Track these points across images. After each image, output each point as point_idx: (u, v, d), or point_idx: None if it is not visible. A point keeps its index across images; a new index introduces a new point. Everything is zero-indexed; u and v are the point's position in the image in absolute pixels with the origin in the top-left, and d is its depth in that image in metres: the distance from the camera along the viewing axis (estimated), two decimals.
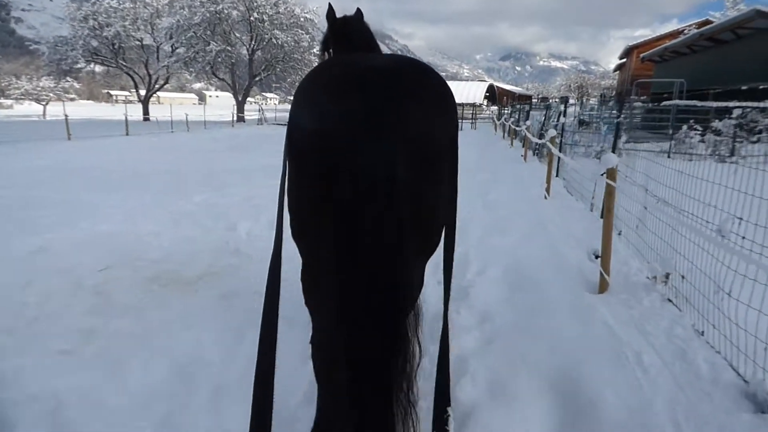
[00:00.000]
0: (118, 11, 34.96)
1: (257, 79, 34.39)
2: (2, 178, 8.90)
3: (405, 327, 1.42)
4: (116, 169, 10.71)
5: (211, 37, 31.18)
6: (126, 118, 20.33)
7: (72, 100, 76.82)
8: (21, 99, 67.00)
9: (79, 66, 35.50)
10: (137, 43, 35.46)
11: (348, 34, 2.44)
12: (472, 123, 31.31)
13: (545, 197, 6.54)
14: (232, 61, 32.30)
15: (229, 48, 31.03)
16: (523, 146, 13.52)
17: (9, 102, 71.10)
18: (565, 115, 9.36)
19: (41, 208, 6.61)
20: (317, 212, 1.41)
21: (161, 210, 6.64)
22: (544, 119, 10.93)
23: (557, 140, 6.73)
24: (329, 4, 2.62)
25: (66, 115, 17.23)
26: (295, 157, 1.46)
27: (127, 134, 19.71)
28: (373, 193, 1.27)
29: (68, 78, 54.02)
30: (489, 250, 4.65)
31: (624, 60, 44.73)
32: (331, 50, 2.53)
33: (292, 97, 2.20)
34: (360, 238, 1.30)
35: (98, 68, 43.14)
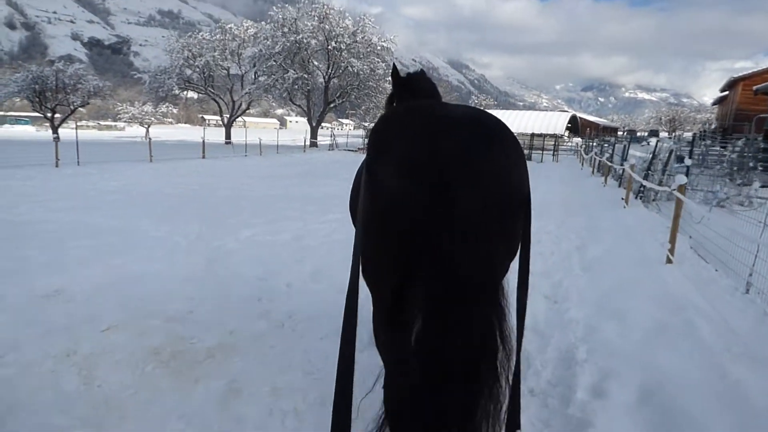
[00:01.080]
0: (210, 43, 37.33)
1: (332, 105, 34.76)
2: (65, 201, 8.81)
3: (494, 374, 1.41)
4: (179, 193, 10.46)
5: (290, 65, 32.07)
6: (203, 141, 20.87)
7: (170, 123, 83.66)
8: (129, 122, 74.11)
9: (174, 92, 38.04)
10: (224, 71, 37.50)
11: (412, 91, 2.51)
12: (553, 155, 29.21)
13: (668, 260, 5.00)
14: (308, 87, 32.91)
15: (305, 75, 31.66)
16: (622, 186, 11.70)
17: (121, 125, 78.38)
18: (691, 156, 7.69)
19: (85, 236, 6.16)
20: (403, 249, 1.40)
21: (204, 246, 5.93)
22: (652, 157, 9.18)
23: (685, 186, 5.17)
24: (393, 64, 2.73)
25: (149, 138, 18.02)
26: (383, 192, 1.43)
27: (203, 157, 20.18)
28: (465, 230, 1.32)
29: (167, 103, 58.79)
30: (603, 347, 3.28)
31: (726, 93, 40.49)
32: (394, 104, 2.64)
33: (366, 123, 2.36)
34: (450, 277, 1.32)
35: (191, 94, 46.30)
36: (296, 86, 31.89)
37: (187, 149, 24.02)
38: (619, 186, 11.63)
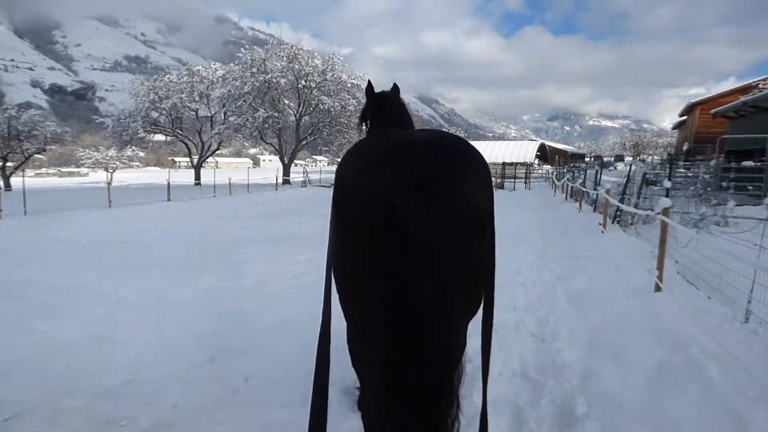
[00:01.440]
0: (178, 85, 37.03)
1: (303, 142, 34.57)
2: (5, 255, 8.03)
3: (451, 386, 1.50)
4: (136, 241, 9.77)
5: (260, 104, 31.91)
6: (168, 183, 20.14)
7: (137, 167, 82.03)
8: (92, 168, 72.25)
9: (140, 135, 37.27)
10: (192, 113, 37.10)
11: (384, 109, 2.68)
12: (525, 183, 29.52)
13: (657, 288, 4.68)
14: (279, 126, 32.72)
15: (275, 114, 31.51)
16: (597, 211, 11.59)
17: (84, 171, 76.13)
18: (670, 178, 7.56)
19: (11, 297, 5.44)
20: (365, 275, 1.49)
21: (155, 300, 5.33)
22: (626, 181, 9.06)
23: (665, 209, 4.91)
24: (368, 81, 2.87)
25: (109, 183, 17.04)
26: (345, 224, 1.54)
27: (168, 200, 19.42)
28: (421, 255, 1.39)
29: (133, 147, 57.73)
30: (605, 398, 2.86)
31: (685, 117, 42.41)
32: (368, 121, 2.78)
33: (339, 159, 2.06)
34: (405, 301, 1.39)
35: (159, 137, 45.49)
36: (267, 125, 31.65)
37: (153, 192, 23.20)
38: (594, 211, 11.53)
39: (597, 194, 11.28)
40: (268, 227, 11.88)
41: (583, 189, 12.01)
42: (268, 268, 6.97)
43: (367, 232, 1.46)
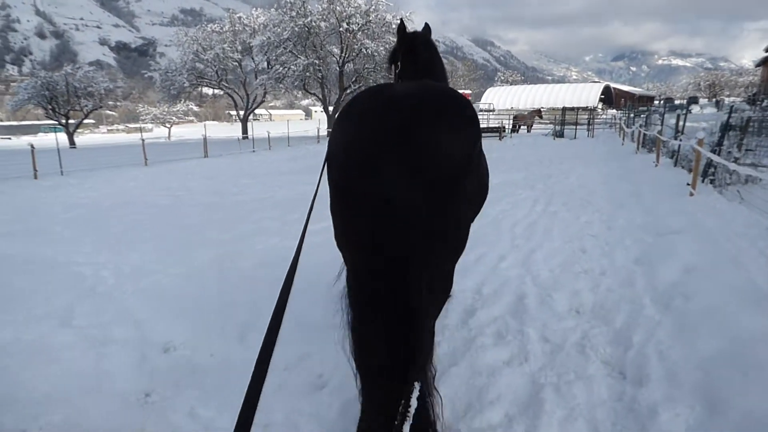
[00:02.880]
0: (220, 35, 36.12)
1: (348, 91, 32.98)
2: (6, 225, 7.50)
3: (422, 328, 1.53)
4: (154, 204, 9.10)
5: (301, 51, 30.42)
6: (205, 139, 19.57)
7: (190, 122, 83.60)
8: (152, 123, 74.61)
9: (186, 89, 37.07)
10: (235, 64, 36.26)
11: (414, 49, 2.68)
12: (588, 130, 26.65)
13: None
14: (321, 74, 31.21)
15: (317, 61, 29.95)
16: (679, 165, 9.60)
17: (149, 126, 78.33)
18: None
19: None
20: (344, 221, 1.64)
21: (130, 286, 4.45)
22: (725, 128, 7.05)
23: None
24: (401, 20, 3.10)
25: (143, 140, 16.68)
26: (329, 174, 1.67)
27: (205, 156, 18.92)
28: (390, 212, 1.45)
29: (187, 101, 58.58)
30: None
31: None
32: (399, 62, 2.78)
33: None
34: (378, 251, 1.49)
35: (208, 90, 45.40)
36: (308, 73, 30.25)
37: (193, 148, 22.85)
38: (675, 165, 9.55)
39: (679, 145, 9.28)
40: (296, 186, 10.88)
41: (662, 138, 9.96)
42: (277, 242, 5.95)
43: (342, 187, 1.59)
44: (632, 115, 23.20)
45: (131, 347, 3.21)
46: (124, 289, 4.42)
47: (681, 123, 10.07)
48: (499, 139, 25.10)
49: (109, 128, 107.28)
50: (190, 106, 71.65)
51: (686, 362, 2.64)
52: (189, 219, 7.57)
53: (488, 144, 22.79)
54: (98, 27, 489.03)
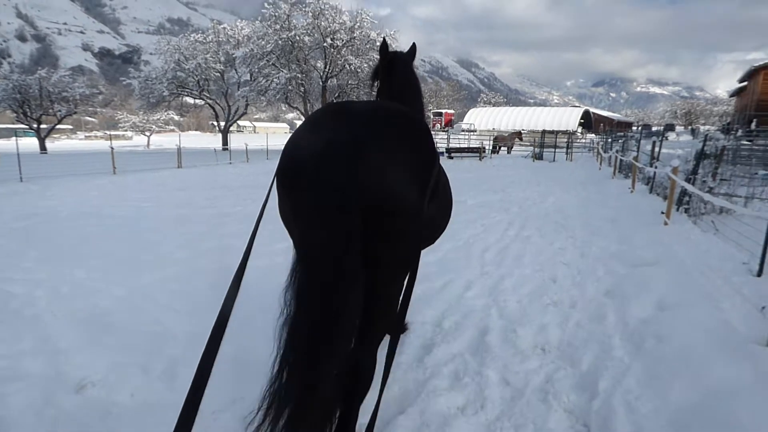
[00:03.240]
0: (203, 44, 35.73)
1: None
2: None
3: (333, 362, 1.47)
4: (112, 216, 8.62)
5: (285, 64, 30.24)
6: (179, 149, 19.06)
7: (171, 131, 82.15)
8: (131, 131, 73.22)
9: (165, 98, 36.42)
10: (218, 74, 35.86)
11: (393, 71, 2.71)
12: (566, 153, 26.95)
13: None
14: (303, 88, 31.04)
15: (299, 75, 29.79)
16: (654, 192, 9.57)
17: (129, 134, 76.58)
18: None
19: None
20: (288, 223, 1.81)
21: (65, 308, 4.04)
22: (700, 156, 6.97)
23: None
24: (383, 39, 2.91)
25: (111, 148, 16.11)
26: (277, 179, 1.74)
27: (179, 167, 18.41)
28: (319, 221, 1.45)
29: (168, 111, 57.70)
30: None
31: (745, 83, 38.10)
32: (378, 80, 2.83)
33: None
34: (321, 254, 1.45)
35: (190, 100, 44.73)
36: (290, 87, 30.04)
37: (165, 158, 22.26)
38: (651, 191, 9.52)
39: (654, 172, 9.25)
40: (271, 201, 10.53)
41: (638, 164, 9.95)
42: (236, 262, 5.58)
43: (282, 192, 1.71)
44: (610, 140, 23.54)
45: (39, 385, 2.81)
46: (55, 311, 4.01)
47: (656, 150, 10.09)
48: (479, 159, 25.16)
49: (87, 135, 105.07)
50: (171, 116, 70.79)
51: (656, 416, 2.39)
52: (148, 234, 7.14)
53: (468, 164, 22.82)
54: (82, 32, 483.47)
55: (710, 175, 6.88)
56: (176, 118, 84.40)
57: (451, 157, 26.70)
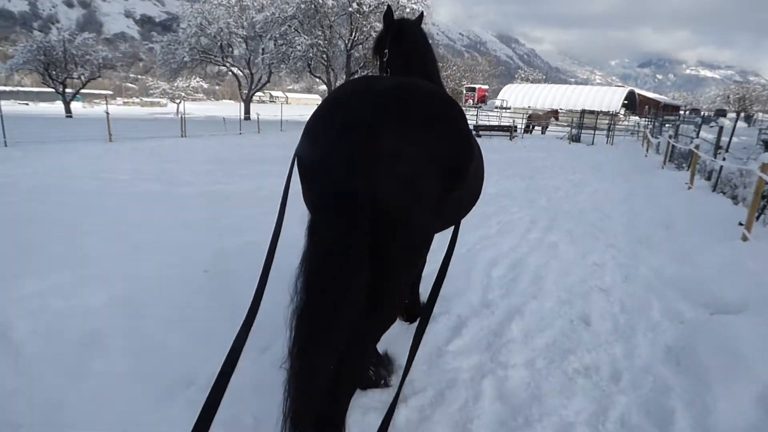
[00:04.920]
0: (228, 8, 34.35)
1: (354, 77, 31.14)
2: None
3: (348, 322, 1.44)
4: (76, 190, 7.49)
5: (308, 31, 28.56)
6: (182, 118, 17.91)
7: (203, 99, 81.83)
8: (161, 97, 73.35)
9: (187, 64, 35.41)
10: (240, 40, 34.53)
11: (402, 38, 2.47)
12: (607, 136, 24.53)
13: None
14: (326, 56, 29.35)
15: (321, 42, 28.09)
16: (718, 190, 7.73)
17: (164, 101, 76.40)
18: None
19: None
20: (311, 211, 1.58)
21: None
22: None
23: None
24: (388, 5, 2.81)
25: (107, 113, 15.04)
26: (298, 168, 1.64)
27: (183, 136, 17.28)
28: (338, 207, 1.39)
29: (195, 78, 57.18)
30: None
31: None
32: (386, 50, 2.54)
33: None
34: (327, 245, 1.42)
35: (213, 68, 43.68)
36: (311, 55, 28.42)
37: (172, 127, 21.10)
38: (714, 190, 7.68)
39: (721, 165, 7.40)
40: (257, 178, 9.24)
41: (701, 155, 8.06)
42: (177, 259, 4.30)
43: (304, 177, 1.59)
44: (659, 123, 21.08)
45: None
46: None
47: (723, 138, 8.17)
48: (510, 139, 23.16)
49: (126, 101, 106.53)
50: (200, 83, 70.24)
51: None
52: (95, 215, 5.92)
53: (497, 143, 20.90)
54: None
55: None
56: (204, 85, 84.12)
57: (479, 136, 24.71)
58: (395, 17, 2.58)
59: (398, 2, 29.17)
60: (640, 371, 2.72)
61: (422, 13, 2.74)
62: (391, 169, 1.39)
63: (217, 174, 9.80)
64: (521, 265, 4.48)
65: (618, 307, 3.63)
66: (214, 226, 5.56)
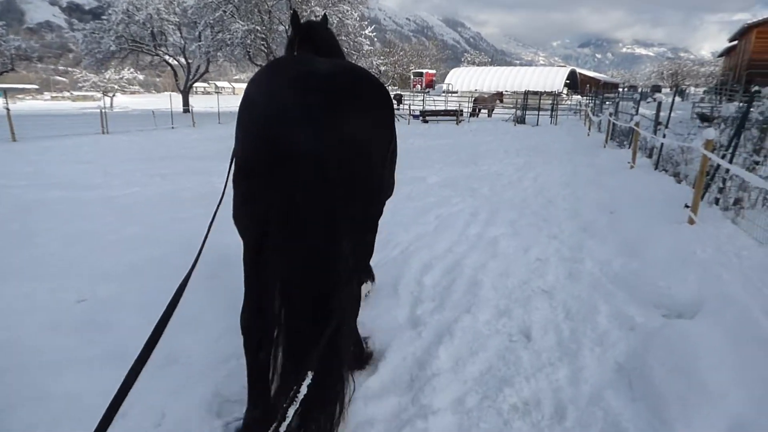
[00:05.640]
0: None
1: None
2: None
3: (337, 300, 1.56)
4: None
5: (245, 15, 27.00)
6: (103, 113, 16.32)
7: (138, 92, 76.98)
8: (90, 91, 68.49)
9: (115, 54, 32.79)
10: (173, 27, 32.36)
11: (312, 39, 2.53)
12: (551, 116, 24.76)
13: None
14: (265, 43, 27.93)
15: (258, 28, 26.65)
16: (660, 168, 7.57)
17: (98, 95, 70.85)
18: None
19: None
20: (261, 190, 1.56)
21: None
22: (741, 123, 4.96)
23: None
24: (293, 10, 2.83)
25: (7, 109, 13.44)
26: (244, 143, 1.63)
27: (104, 132, 15.76)
28: (307, 176, 1.48)
29: (128, 68, 53.69)
30: None
31: (735, 42, 36.15)
32: (295, 52, 2.58)
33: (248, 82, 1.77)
34: (294, 217, 1.51)
35: (147, 58, 40.90)
36: (249, 42, 26.93)
37: (131, 121, 19.38)
38: (657, 168, 7.53)
39: (662, 143, 7.24)
40: (177, 178, 8.33)
41: (642, 132, 7.89)
42: (49, 285, 3.49)
43: (250, 162, 1.58)
44: (599, 101, 21.39)
45: None
46: None
47: (664, 114, 8.04)
48: (456, 123, 22.89)
49: (54, 95, 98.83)
50: (135, 75, 65.99)
51: None
52: None
53: (443, 129, 20.55)
54: None
55: (754, 150, 4.92)
56: (140, 77, 79.39)
57: (426, 121, 24.33)
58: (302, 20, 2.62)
59: None
60: (587, 403, 2.26)
61: (325, 15, 2.87)
62: (353, 143, 1.56)
63: (135, 174, 8.79)
64: (457, 269, 3.98)
65: (562, 313, 3.19)
66: (106, 240, 4.74)
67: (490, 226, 5.29)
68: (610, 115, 12.17)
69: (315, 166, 1.46)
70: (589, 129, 16.54)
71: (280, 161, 1.47)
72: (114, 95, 65.36)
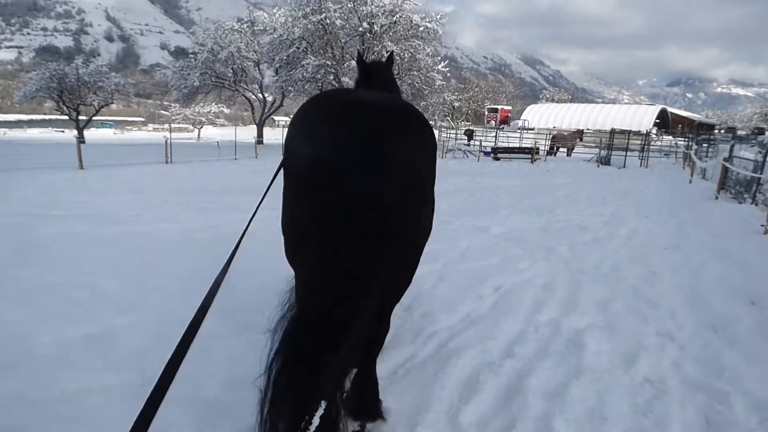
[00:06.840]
0: (239, 33, 33.83)
1: None
2: None
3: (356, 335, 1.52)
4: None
5: (317, 51, 27.46)
6: (167, 142, 16.56)
7: (222, 125, 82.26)
8: (183, 123, 74.19)
9: (199, 89, 34.87)
10: (250, 64, 33.84)
11: (372, 78, 2.76)
12: (641, 158, 22.16)
13: None
14: (336, 77, 28.09)
15: (328, 63, 26.86)
16: None
17: (191, 127, 76.62)
18: None
19: None
20: (314, 226, 1.53)
21: None
22: None
23: None
24: (358, 51, 3.30)
25: (77, 137, 13.87)
26: (294, 179, 1.65)
27: (167, 162, 15.95)
28: (361, 209, 1.47)
29: (213, 103, 57.61)
30: None
31: None
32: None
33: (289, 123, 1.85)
34: (348, 250, 1.46)
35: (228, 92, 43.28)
36: (319, 76, 27.21)
37: (180, 151, 19.95)
38: None
39: None
40: (224, 214, 7.62)
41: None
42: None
43: (307, 192, 1.57)
44: (705, 144, 18.67)
45: None
46: None
47: None
48: (531, 162, 21.12)
49: (156, 127, 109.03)
50: (222, 108, 70.53)
51: None
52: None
53: (516, 168, 18.90)
54: (160, 32, 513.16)
55: None
56: (226, 111, 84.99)
57: (497, 158, 22.76)
58: (371, 59, 2.88)
59: (411, 21, 27.95)
60: None
61: (392, 53, 3.04)
62: (401, 174, 1.59)
63: (174, 208, 8.22)
64: (519, 395, 2.56)
65: None
66: (67, 299, 3.82)
67: (570, 310, 3.78)
68: (725, 159, 10.02)
69: (368, 201, 1.46)
70: (692, 175, 14.13)
71: (333, 195, 1.48)
72: (201, 127, 70.15)
